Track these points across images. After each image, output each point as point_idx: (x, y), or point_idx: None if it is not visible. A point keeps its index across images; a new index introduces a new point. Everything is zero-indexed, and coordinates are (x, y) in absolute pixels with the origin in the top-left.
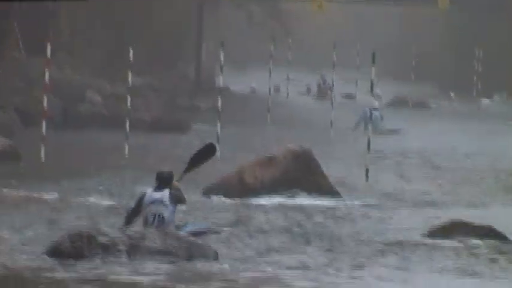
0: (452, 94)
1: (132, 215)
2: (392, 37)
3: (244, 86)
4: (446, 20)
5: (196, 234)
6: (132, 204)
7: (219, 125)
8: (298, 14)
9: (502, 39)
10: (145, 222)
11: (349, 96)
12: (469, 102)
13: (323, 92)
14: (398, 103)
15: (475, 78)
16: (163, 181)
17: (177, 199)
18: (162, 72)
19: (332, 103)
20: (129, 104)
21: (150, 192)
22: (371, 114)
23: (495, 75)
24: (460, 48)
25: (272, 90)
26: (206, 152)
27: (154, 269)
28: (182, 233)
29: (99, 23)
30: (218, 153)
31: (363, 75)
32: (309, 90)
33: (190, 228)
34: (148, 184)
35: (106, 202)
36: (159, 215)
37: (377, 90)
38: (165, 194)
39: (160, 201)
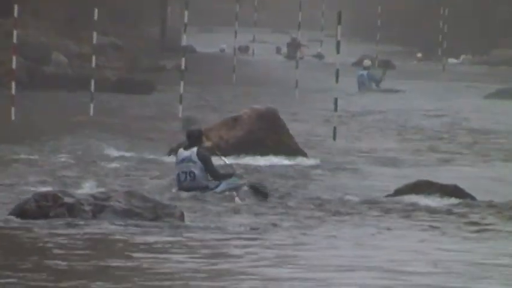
0: (419, 54)
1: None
2: None
3: (211, 47)
4: None
5: (232, 190)
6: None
7: (182, 84)
8: None
9: None
10: (178, 181)
11: (319, 56)
12: (435, 62)
13: (293, 52)
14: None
15: (440, 37)
16: (192, 139)
17: (203, 157)
18: (127, 33)
19: (297, 62)
20: (94, 63)
21: (181, 151)
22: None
23: (462, 34)
24: (425, 7)
25: (238, 50)
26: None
27: (118, 227)
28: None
29: None
30: (180, 114)
31: (328, 36)
32: (278, 50)
33: (224, 186)
34: (112, 143)
35: (72, 161)
36: (190, 172)
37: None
38: (193, 151)
39: (189, 159)
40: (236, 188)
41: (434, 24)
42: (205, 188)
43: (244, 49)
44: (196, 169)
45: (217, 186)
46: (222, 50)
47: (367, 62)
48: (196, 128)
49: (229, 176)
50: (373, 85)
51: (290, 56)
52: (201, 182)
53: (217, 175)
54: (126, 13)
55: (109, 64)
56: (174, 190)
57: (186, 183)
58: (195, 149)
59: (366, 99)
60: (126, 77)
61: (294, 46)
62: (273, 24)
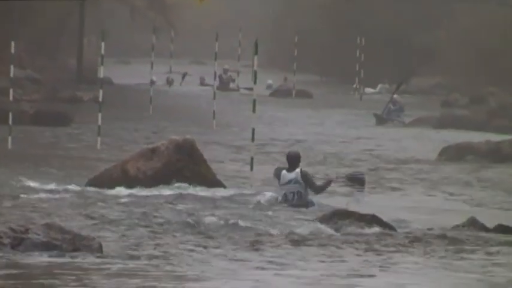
0: (270, 81)
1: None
2: (275, 25)
3: (128, 79)
4: (328, 9)
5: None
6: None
7: (100, 116)
8: (181, 6)
9: (386, 27)
10: (285, 199)
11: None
12: (352, 92)
13: (225, 83)
14: (281, 93)
15: (357, 66)
16: (293, 161)
17: (306, 178)
18: (44, 65)
19: (214, 94)
20: (11, 96)
21: (284, 173)
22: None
23: (378, 64)
24: (343, 36)
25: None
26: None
27: (35, 261)
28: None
29: None
30: (98, 145)
31: (245, 66)
32: (202, 80)
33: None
34: (30, 175)
35: None
36: (297, 192)
37: (269, 81)
38: (297, 173)
39: (296, 180)
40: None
41: (351, 53)
42: (308, 204)
43: (171, 81)
44: (302, 189)
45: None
46: (153, 83)
47: (395, 96)
48: (296, 152)
49: (327, 184)
50: (400, 117)
51: (222, 87)
52: (305, 198)
53: (319, 189)
54: (43, 45)
55: (26, 97)
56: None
57: (295, 201)
58: (298, 171)
59: (283, 128)
60: (43, 110)
61: (226, 77)
62: (190, 54)
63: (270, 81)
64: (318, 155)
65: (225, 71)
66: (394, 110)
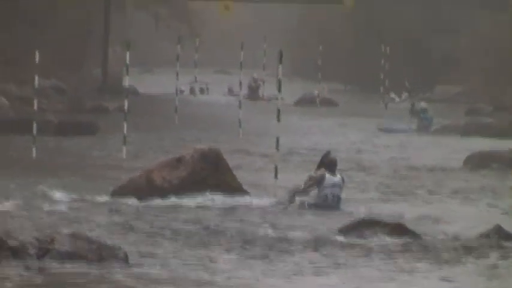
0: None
1: (300, 193)
2: (299, 36)
3: (153, 88)
4: (351, 18)
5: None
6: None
7: (125, 126)
8: (206, 15)
9: (408, 36)
10: (325, 200)
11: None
12: (377, 100)
13: (254, 92)
14: (306, 101)
15: (382, 75)
16: (333, 166)
17: (344, 183)
18: (69, 75)
19: (240, 102)
20: (35, 106)
21: (329, 176)
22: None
23: (403, 72)
24: (366, 45)
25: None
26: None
27: (61, 271)
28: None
29: (2, 25)
30: (124, 155)
31: (270, 76)
32: (230, 91)
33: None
34: (55, 185)
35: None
36: (337, 196)
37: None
38: (340, 178)
39: (339, 185)
40: None
41: (375, 62)
42: (338, 208)
43: (201, 90)
44: (341, 193)
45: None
46: (181, 92)
47: (424, 104)
48: (335, 157)
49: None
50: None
51: (252, 96)
52: (340, 204)
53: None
54: (68, 55)
55: (51, 106)
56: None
57: (334, 203)
58: (340, 177)
59: (310, 136)
60: (68, 119)
61: (256, 86)
62: (215, 64)
63: (316, 92)
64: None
65: (255, 80)
66: (424, 118)
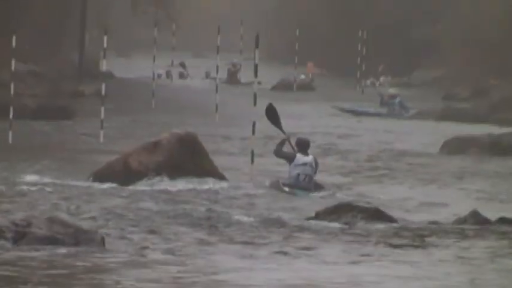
0: (302, 76)
1: (284, 155)
2: (277, 20)
3: (129, 72)
4: (330, 2)
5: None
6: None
7: (102, 110)
8: None
9: (387, 19)
10: (297, 179)
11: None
12: (354, 85)
13: (233, 76)
14: (282, 86)
15: (359, 60)
16: (306, 146)
17: (316, 164)
18: (46, 59)
19: (217, 87)
20: (12, 91)
21: (300, 156)
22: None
23: (382, 57)
24: (345, 30)
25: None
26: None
27: (38, 255)
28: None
29: None
30: (101, 139)
31: (247, 60)
32: (208, 74)
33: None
34: (32, 170)
35: None
36: (309, 176)
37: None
38: (311, 157)
39: (310, 164)
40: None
41: (353, 47)
42: (311, 190)
43: (181, 74)
44: (312, 173)
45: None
46: (159, 76)
47: (393, 90)
48: (307, 138)
49: (282, 143)
50: (404, 112)
51: (231, 80)
52: (312, 184)
53: (279, 152)
54: (45, 39)
55: (28, 91)
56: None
57: (304, 183)
58: (311, 157)
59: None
60: (45, 104)
61: (235, 71)
62: (192, 48)
63: (302, 76)
64: (321, 146)
65: (234, 65)
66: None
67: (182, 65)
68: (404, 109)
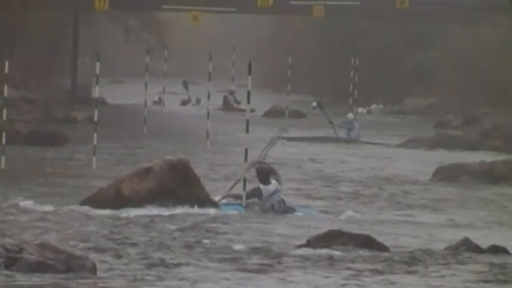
0: (314, 103)
1: (252, 195)
2: (269, 47)
3: (122, 99)
4: (322, 29)
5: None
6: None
7: (95, 136)
8: (175, 26)
9: (379, 48)
10: (273, 209)
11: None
12: (345, 112)
13: (229, 104)
14: (274, 113)
15: (351, 87)
16: (267, 174)
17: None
18: (38, 85)
19: (208, 114)
20: (5, 116)
21: (264, 187)
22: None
23: (374, 84)
24: (337, 57)
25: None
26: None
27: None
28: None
29: None
30: (94, 165)
31: (239, 86)
32: (198, 101)
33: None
34: (24, 195)
35: None
36: (281, 200)
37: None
38: (275, 183)
39: (278, 190)
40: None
41: (344, 73)
42: (289, 210)
43: (162, 102)
44: (282, 196)
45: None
46: (155, 102)
47: (351, 116)
48: (267, 165)
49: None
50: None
51: (226, 107)
52: (286, 206)
53: None
54: (37, 65)
55: (20, 117)
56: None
57: (281, 209)
58: (274, 182)
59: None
60: (37, 130)
61: (232, 99)
62: (184, 74)
63: (314, 103)
64: (310, 174)
65: (231, 92)
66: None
67: (185, 84)
68: (358, 133)
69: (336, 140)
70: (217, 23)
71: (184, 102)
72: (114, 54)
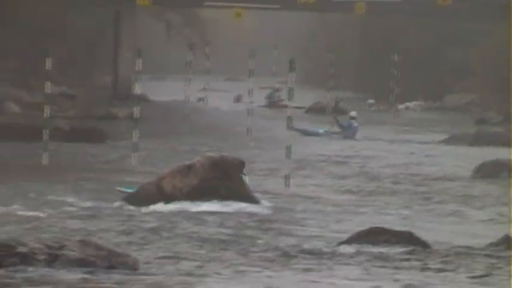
0: (371, 100)
1: None
2: (310, 44)
3: (164, 95)
4: (362, 26)
5: None
6: None
7: (135, 133)
8: (217, 22)
9: (420, 44)
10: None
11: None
12: (388, 109)
13: (274, 101)
14: (316, 110)
15: (392, 83)
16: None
17: None
18: (79, 81)
19: (249, 110)
20: (46, 113)
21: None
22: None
23: (415, 80)
24: (377, 53)
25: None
26: None
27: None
28: None
29: (13, 33)
30: (134, 162)
31: (281, 83)
32: (239, 98)
33: None
34: (65, 192)
35: (30, 213)
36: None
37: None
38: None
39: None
40: None
41: (387, 70)
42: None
43: (237, 98)
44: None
45: None
46: (200, 99)
47: (353, 113)
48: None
49: None
50: (354, 136)
51: (271, 104)
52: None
53: None
54: (78, 62)
55: (62, 113)
56: None
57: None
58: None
59: (320, 146)
60: (78, 126)
61: (276, 96)
62: (226, 71)
63: (370, 101)
64: (354, 170)
65: (276, 89)
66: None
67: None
68: (355, 133)
69: (327, 135)
70: (258, 20)
71: (237, 99)
72: (156, 50)
